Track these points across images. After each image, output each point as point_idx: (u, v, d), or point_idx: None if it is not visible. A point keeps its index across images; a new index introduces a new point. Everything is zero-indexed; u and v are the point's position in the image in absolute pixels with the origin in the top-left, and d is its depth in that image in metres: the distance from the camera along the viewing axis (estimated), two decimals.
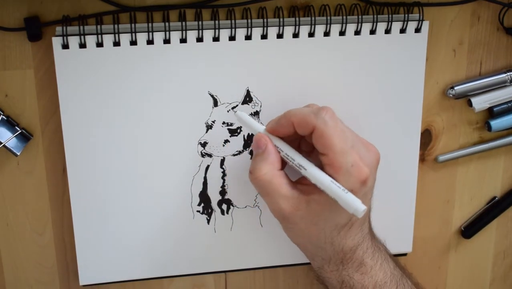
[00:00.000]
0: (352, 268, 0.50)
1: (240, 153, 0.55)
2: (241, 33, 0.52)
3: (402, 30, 0.54)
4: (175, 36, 0.51)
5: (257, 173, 0.48)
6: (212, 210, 0.56)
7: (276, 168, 0.48)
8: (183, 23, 0.51)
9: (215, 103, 0.53)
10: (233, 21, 0.51)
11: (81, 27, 0.49)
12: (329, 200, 0.46)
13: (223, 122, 0.54)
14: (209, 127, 0.54)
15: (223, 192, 0.56)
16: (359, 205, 0.44)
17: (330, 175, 0.46)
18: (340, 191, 0.45)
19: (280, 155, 0.49)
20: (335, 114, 0.47)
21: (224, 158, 0.55)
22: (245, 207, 0.57)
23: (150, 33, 0.50)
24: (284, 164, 0.49)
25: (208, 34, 0.51)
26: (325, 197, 0.46)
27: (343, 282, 0.51)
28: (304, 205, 0.48)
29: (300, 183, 0.49)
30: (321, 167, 0.47)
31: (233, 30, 0.51)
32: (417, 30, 0.54)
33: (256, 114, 0.54)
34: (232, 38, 0.52)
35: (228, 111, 0.54)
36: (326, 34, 0.53)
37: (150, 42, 0.51)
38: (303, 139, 0.50)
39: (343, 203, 0.45)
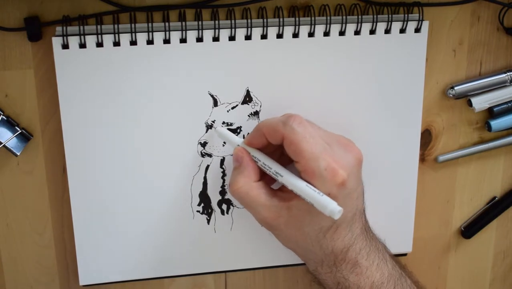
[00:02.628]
0: (346, 269, 0.50)
1: None
2: (241, 33, 0.52)
3: (402, 30, 0.54)
4: (175, 36, 0.51)
5: (234, 186, 0.49)
6: (212, 210, 0.56)
7: (253, 180, 0.49)
8: (183, 23, 0.51)
9: (215, 103, 0.53)
10: (233, 21, 0.51)
11: (81, 27, 0.49)
12: (308, 205, 0.46)
13: (223, 122, 0.54)
14: (209, 127, 0.54)
15: (223, 192, 0.56)
16: (334, 206, 0.44)
17: (306, 181, 0.47)
18: (314, 194, 0.45)
19: (258, 166, 0.49)
20: (304, 120, 0.48)
21: (224, 158, 0.55)
22: None
23: (150, 33, 0.50)
24: (263, 175, 0.50)
25: (208, 34, 0.51)
26: (304, 202, 0.46)
27: (339, 284, 0.51)
28: (285, 212, 0.48)
29: (281, 191, 0.50)
30: (297, 174, 0.48)
31: (233, 30, 0.51)
32: (417, 30, 0.54)
33: (256, 114, 0.54)
34: (232, 38, 0.52)
35: (228, 111, 0.54)
36: (326, 34, 0.53)
37: (150, 42, 0.51)
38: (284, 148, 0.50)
39: (318, 205, 0.45)
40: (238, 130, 0.54)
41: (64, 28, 0.49)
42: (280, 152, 0.51)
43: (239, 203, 0.50)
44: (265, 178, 0.50)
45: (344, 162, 0.47)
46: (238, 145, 0.51)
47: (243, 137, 0.54)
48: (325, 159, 0.46)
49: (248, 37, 0.52)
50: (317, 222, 0.48)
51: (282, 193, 0.49)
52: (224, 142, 0.54)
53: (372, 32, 0.54)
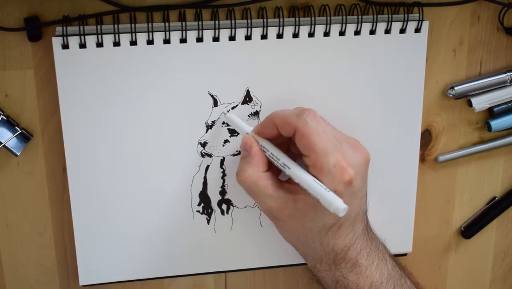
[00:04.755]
0: (346, 268, 0.50)
1: (240, 153, 0.55)
2: (241, 33, 0.52)
3: (402, 30, 0.54)
4: (175, 36, 0.51)
5: (242, 175, 0.49)
6: (212, 210, 0.56)
7: (261, 170, 0.49)
8: (183, 23, 0.51)
9: (215, 103, 0.53)
10: (233, 21, 0.51)
11: (81, 27, 0.49)
12: (314, 200, 0.46)
13: (223, 122, 0.54)
14: (209, 127, 0.54)
15: (223, 192, 0.56)
16: (340, 204, 0.44)
17: (314, 176, 0.47)
18: (321, 190, 0.45)
19: (266, 156, 0.49)
20: (318, 115, 0.48)
21: (224, 158, 0.55)
22: (245, 207, 0.57)
23: (150, 33, 0.50)
24: (271, 165, 0.50)
25: (208, 34, 0.51)
26: (311, 197, 0.46)
27: (338, 282, 0.51)
28: (291, 203, 0.48)
29: (288, 182, 0.50)
30: (304, 167, 0.48)
31: (233, 30, 0.51)
32: (417, 30, 0.54)
33: (256, 114, 0.54)
34: (232, 38, 0.52)
35: (228, 111, 0.54)
36: (326, 34, 0.53)
37: (150, 42, 0.51)
38: (292, 141, 0.50)
39: (324, 201, 0.45)
40: None
41: (64, 28, 0.49)
42: (287, 145, 0.51)
43: (246, 192, 0.50)
44: (272, 168, 0.50)
45: (353, 160, 0.47)
46: (247, 133, 0.51)
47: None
48: (335, 156, 0.46)
49: (248, 37, 0.52)
50: (321, 218, 0.48)
51: (289, 184, 0.49)
52: (224, 143, 0.54)
53: (372, 32, 0.54)
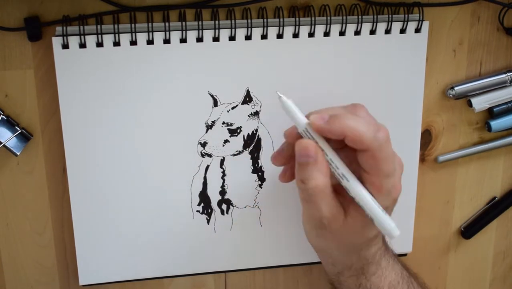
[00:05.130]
0: (370, 271, 0.51)
1: (240, 153, 0.55)
2: (241, 33, 0.52)
3: (402, 30, 0.54)
4: (175, 36, 0.51)
5: (310, 183, 0.45)
6: (212, 210, 0.56)
7: (329, 178, 0.46)
8: (183, 23, 0.51)
9: (215, 103, 0.53)
10: (233, 21, 0.51)
11: (81, 27, 0.49)
12: (365, 218, 0.45)
13: (223, 123, 0.54)
14: (209, 127, 0.54)
15: (223, 192, 0.56)
16: (395, 230, 0.45)
17: (369, 192, 0.45)
18: (379, 212, 0.45)
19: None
20: (388, 134, 0.46)
21: (224, 158, 0.55)
22: (245, 207, 0.57)
23: (150, 33, 0.50)
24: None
25: (208, 34, 0.51)
26: (361, 214, 0.46)
27: (361, 285, 0.51)
28: (341, 217, 0.47)
29: (337, 192, 0.47)
30: (358, 177, 0.46)
31: (233, 30, 0.51)
32: (417, 30, 0.54)
33: (256, 114, 0.54)
34: (232, 38, 0.52)
35: (228, 111, 0.54)
36: (326, 34, 0.53)
37: (150, 42, 0.51)
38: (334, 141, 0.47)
39: (379, 223, 0.45)
40: (238, 131, 0.54)
41: (64, 28, 0.49)
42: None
43: (302, 198, 0.46)
44: None
45: (399, 175, 0.48)
46: (306, 129, 0.46)
47: (243, 138, 0.55)
48: (394, 178, 0.46)
49: (248, 37, 0.52)
50: (366, 233, 0.48)
51: (338, 195, 0.47)
52: (224, 143, 0.54)
53: (372, 32, 0.54)
